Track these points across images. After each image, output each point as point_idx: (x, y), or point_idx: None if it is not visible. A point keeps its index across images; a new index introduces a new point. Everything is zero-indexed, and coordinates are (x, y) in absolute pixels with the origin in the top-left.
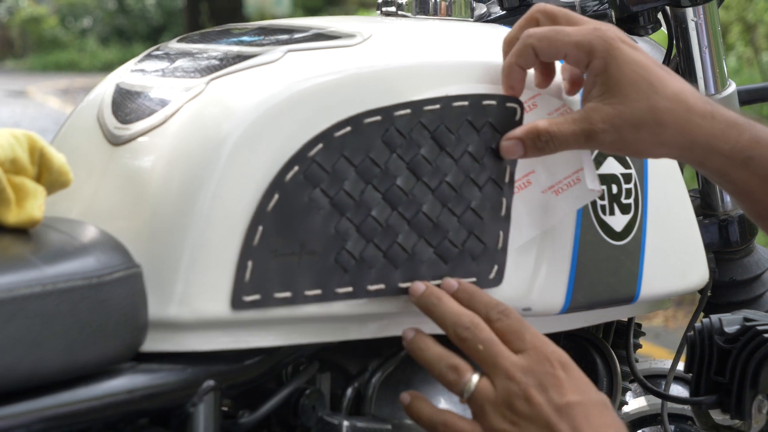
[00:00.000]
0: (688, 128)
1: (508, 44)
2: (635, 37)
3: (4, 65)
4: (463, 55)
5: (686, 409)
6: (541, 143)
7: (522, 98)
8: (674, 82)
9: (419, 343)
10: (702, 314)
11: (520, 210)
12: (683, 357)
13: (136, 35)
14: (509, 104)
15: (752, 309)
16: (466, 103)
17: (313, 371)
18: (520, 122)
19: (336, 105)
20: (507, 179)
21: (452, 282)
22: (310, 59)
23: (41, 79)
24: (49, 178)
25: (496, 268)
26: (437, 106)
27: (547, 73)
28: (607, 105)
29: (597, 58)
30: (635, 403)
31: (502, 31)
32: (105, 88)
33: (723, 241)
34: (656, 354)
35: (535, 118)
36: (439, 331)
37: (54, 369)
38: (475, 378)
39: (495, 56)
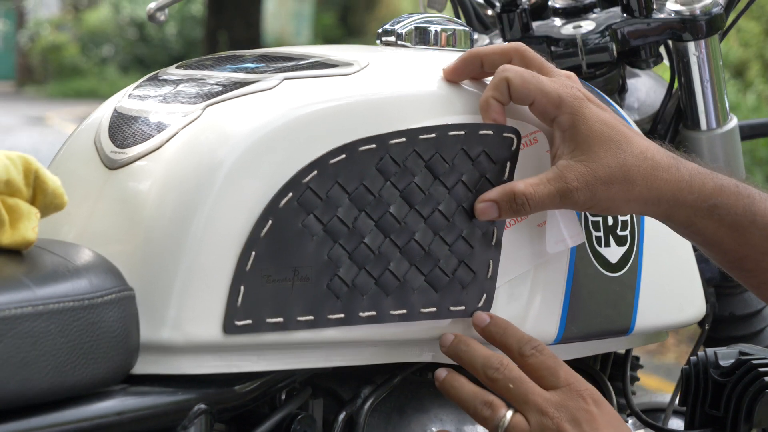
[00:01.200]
0: (655, 184)
1: (463, 61)
2: (637, 70)
3: (24, 92)
4: (461, 85)
5: None
6: (516, 206)
7: (524, 132)
8: (640, 140)
9: (453, 382)
10: (702, 349)
11: (514, 242)
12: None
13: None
14: (506, 134)
15: (752, 344)
16: (462, 132)
17: (305, 397)
18: (516, 153)
19: (331, 132)
20: None
21: (484, 316)
22: (306, 87)
23: (61, 106)
24: (44, 200)
25: (484, 296)
26: (433, 135)
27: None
28: (579, 163)
29: (564, 114)
30: None
31: None
32: (103, 112)
33: (723, 276)
34: (668, 391)
35: (536, 152)
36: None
37: (43, 389)
38: (509, 414)
39: None
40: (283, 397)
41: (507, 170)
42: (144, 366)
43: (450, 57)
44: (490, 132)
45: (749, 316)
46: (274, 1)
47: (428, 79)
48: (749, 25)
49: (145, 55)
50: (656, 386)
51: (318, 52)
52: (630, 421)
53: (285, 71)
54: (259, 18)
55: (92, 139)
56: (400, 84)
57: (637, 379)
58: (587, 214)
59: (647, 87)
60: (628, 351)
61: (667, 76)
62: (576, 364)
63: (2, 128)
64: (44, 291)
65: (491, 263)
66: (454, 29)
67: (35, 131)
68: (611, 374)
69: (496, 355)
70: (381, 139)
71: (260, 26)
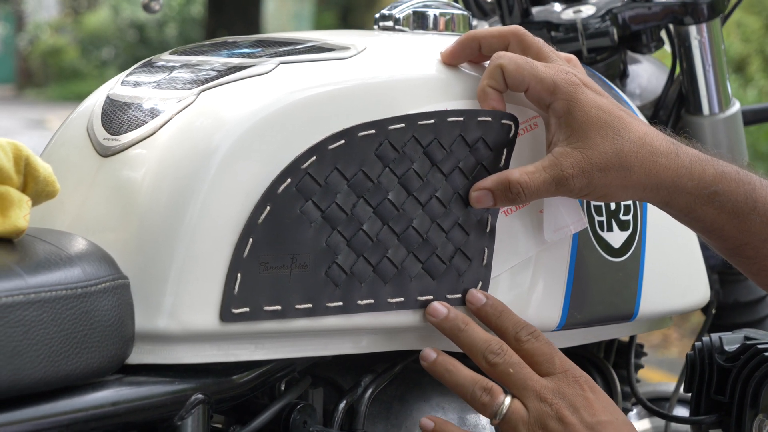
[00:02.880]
0: (654, 170)
1: (461, 43)
2: (638, 55)
3: (24, 95)
4: (460, 70)
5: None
6: (511, 195)
7: (523, 117)
8: (638, 125)
9: (447, 365)
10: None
11: (515, 229)
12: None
13: None
14: (504, 121)
15: (757, 330)
16: (461, 118)
17: (305, 386)
18: (513, 140)
19: (329, 117)
20: None
21: (479, 295)
22: (302, 71)
23: (61, 109)
24: (35, 188)
25: (480, 284)
26: (432, 121)
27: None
28: (574, 149)
29: (559, 100)
30: (638, 426)
31: None
32: (95, 99)
33: (726, 263)
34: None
35: (536, 137)
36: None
37: (35, 379)
38: (508, 400)
39: None
40: (283, 386)
41: (503, 157)
42: (139, 356)
43: (448, 41)
44: (489, 118)
45: (753, 302)
46: (274, 1)
47: (426, 64)
48: (749, 20)
49: (145, 57)
50: (660, 380)
51: (314, 37)
52: (635, 410)
53: (281, 55)
54: (259, 18)
55: (85, 127)
56: (398, 68)
57: (642, 366)
58: None
59: (648, 73)
60: (632, 338)
61: (667, 61)
62: (579, 352)
63: (2, 132)
64: (36, 279)
65: (486, 251)
66: (453, 14)
67: (35, 134)
68: (615, 362)
69: (497, 338)
70: (380, 125)
71: (260, 26)
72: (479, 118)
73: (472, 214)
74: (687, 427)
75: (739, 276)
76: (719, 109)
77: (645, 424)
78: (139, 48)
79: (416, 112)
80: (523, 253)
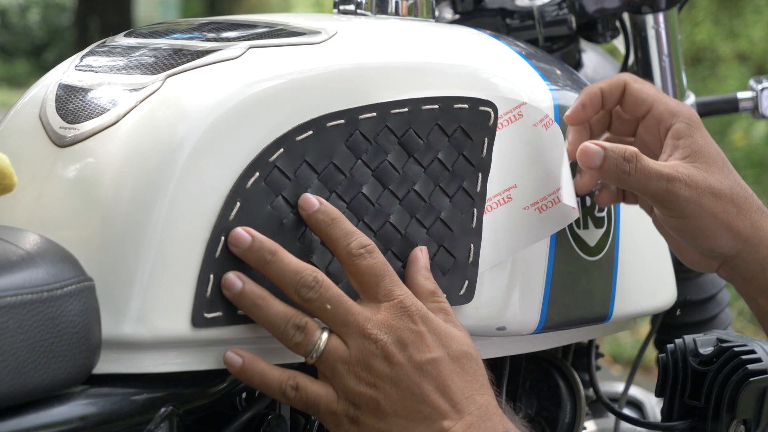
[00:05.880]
0: (760, 223)
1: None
2: (583, 44)
3: None
4: (433, 57)
5: None
6: (624, 163)
7: (506, 108)
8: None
9: (255, 299)
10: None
11: (500, 226)
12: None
13: (19, 52)
14: (482, 108)
15: (707, 329)
16: (436, 106)
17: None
18: (493, 128)
19: (298, 107)
20: (479, 188)
21: (313, 200)
22: (273, 57)
23: None
24: None
25: (466, 283)
26: (405, 110)
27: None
28: (691, 165)
29: (681, 123)
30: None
31: (470, 33)
32: (46, 85)
33: (676, 260)
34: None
35: (521, 128)
36: None
37: (2, 393)
38: (324, 336)
39: (466, 58)
40: (245, 396)
41: (485, 147)
42: (106, 365)
43: (412, 26)
44: (466, 106)
45: (704, 301)
46: None
47: (399, 50)
48: None
49: (7, 43)
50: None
51: (281, 20)
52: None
53: (249, 39)
54: (131, 5)
55: (37, 115)
56: (372, 54)
57: (599, 368)
58: None
59: (594, 63)
60: (591, 340)
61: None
62: (542, 355)
63: None
64: None
65: (472, 247)
66: None
67: None
68: (573, 363)
69: (310, 268)
70: (350, 114)
71: (132, 13)
72: (456, 106)
73: (456, 209)
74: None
75: (690, 273)
76: None
77: (591, 425)
78: (1, 33)
79: (388, 101)
80: (507, 252)
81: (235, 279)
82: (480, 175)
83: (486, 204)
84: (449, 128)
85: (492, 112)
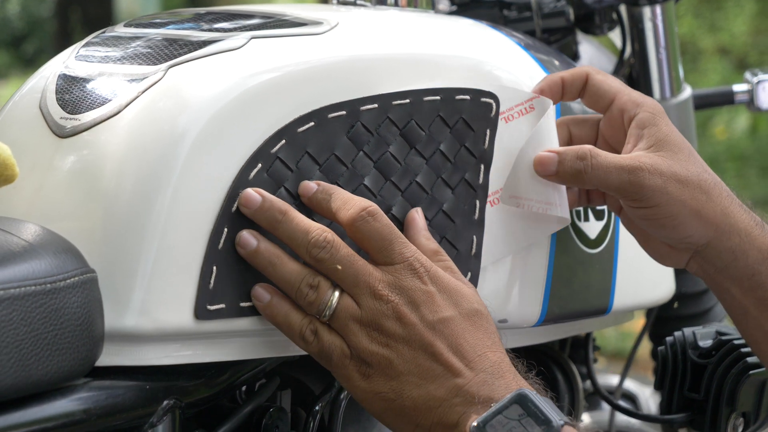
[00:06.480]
0: (730, 210)
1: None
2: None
3: None
4: (435, 48)
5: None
6: (579, 163)
7: (518, 100)
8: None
9: (270, 257)
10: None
11: (501, 222)
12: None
13: None
14: (484, 99)
15: (701, 322)
16: (437, 97)
17: (273, 388)
18: (495, 119)
19: (300, 98)
20: (481, 180)
21: (311, 185)
22: (275, 47)
23: None
24: None
25: (469, 275)
26: (407, 101)
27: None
28: (655, 154)
29: (646, 112)
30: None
31: (469, 24)
32: (46, 75)
33: None
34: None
35: (530, 121)
36: None
37: (6, 386)
38: (336, 295)
39: (467, 49)
40: (245, 388)
41: (486, 138)
42: (108, 357)
43: (413, 17)
44: (467, 97)
45: (698, 294)
46: None
47: (401, 41)
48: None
49: None
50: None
51: (282, 10)
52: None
53: (252, 29)
54: None
55: (37, 105)
56: (375, 45)
57: (596, 360)
58: None
59: (590, 55)
60: (588, 333)
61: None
62: (540, 348)
63: None
64: (2, 274)
65: (475, 239)
66: None
67: None
68: (570, 356)
69: (321, 227)
70: (351, 105)
71: (113, 3)
72: (457, 97)
73: (458, 201)
74: (630, 422)
75: None
76: (670, 94)
77: (585, 417)
78: None
79: (390, 92)
80: (511, 247)
81: (250, 237)
82: (482, 166)
83: (492, 197)
84: (451, 120)
85: (494, 104)
